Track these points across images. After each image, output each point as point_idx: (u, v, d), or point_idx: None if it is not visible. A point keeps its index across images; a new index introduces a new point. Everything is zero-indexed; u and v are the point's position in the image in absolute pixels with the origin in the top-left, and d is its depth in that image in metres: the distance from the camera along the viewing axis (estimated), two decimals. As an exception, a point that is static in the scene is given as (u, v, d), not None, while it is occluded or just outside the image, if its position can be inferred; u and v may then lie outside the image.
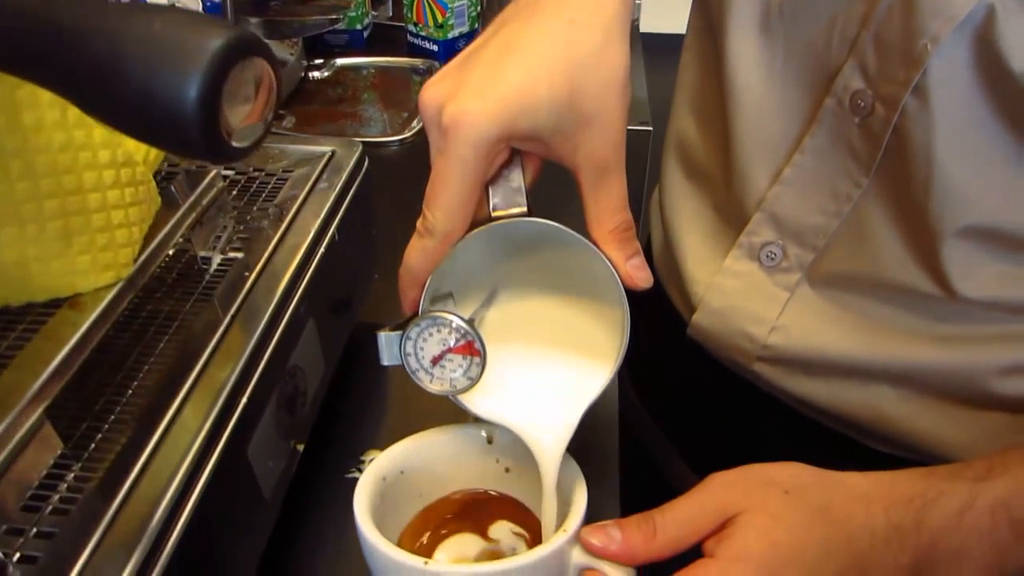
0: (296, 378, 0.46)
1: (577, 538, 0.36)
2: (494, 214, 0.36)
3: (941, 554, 0.35)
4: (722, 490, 0.36)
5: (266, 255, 0.47)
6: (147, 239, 0.41)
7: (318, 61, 1.05)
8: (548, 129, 0.34)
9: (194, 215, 0.47)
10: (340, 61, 1.06)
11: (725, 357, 0.52)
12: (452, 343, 0.35)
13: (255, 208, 0.52)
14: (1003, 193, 0.38)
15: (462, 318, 0.35)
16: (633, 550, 0.35)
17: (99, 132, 0.35)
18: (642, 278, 0.36)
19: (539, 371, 0.39)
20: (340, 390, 0.56)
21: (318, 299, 0.49)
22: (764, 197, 0.47)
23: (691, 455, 0.61)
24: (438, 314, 0.35)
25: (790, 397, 0.50)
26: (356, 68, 1.06)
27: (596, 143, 0.34)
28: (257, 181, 0.54)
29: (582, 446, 0.39)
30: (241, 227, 0.50)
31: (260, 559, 0.42)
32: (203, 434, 0.36)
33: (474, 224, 0.36)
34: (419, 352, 0.36)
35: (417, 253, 0.35)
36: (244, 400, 0.39)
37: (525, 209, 0.36)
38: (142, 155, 0.39)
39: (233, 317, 0.43)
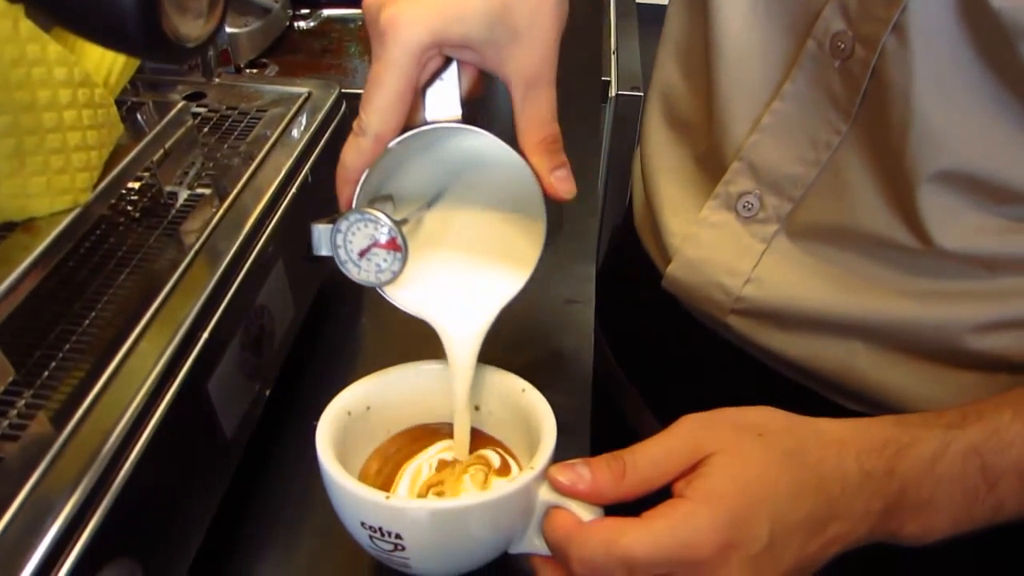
0: (263, 318, 0.45)
1: (545, 476, 0.35)
2: (428, 119, 0.37)
3: (911, 501, 0.35)
4: (694, 431, 0.35)
5: (235, 192, 0.46)
6: (108, 167, 0.40)
7: (304, 11, 1.02)
8: (480, 40, 0.35)
9: (161, 149, 0.45)
10: (326, 12, 1.04)
11: (699, 310, 0.52)
12: (379, 238, 0.36)
13: (226, 146, 0.50)
14: (980, 137, 0.38)
15: (389, 216, 0.36)
16: (601, 489, 0.34)
17: (53, 48, 0.34)
18: (565, 189, 0.37)
19: (463, 274, 0.41)
20: (311, 339, 0.55)
21: (288, 241, 0.47)
22: (742, 145, 0.46)
23: (663, 411, 0.61)
24: (367, 211, 0.36)
25: (763, 352, 0.50)
26: (343, 19, 1.04)
27: (526, 57, 0.36)
28: (230, 119, 0.53)
29: (553, 401, 0.39)
30: (211, 164, 0.48)
31: (221, 499, 0.41)
32: (160, 366, 0.35)
33: (410, 129, 0.37)
34: (348, 245, 0.37)
35: (351, 151, 0.36)
36: (205, 335, 0.38)
37: (459, 116, 0.37)
38: (102, 76, 0.38)
39: (197, 252, 0.41)
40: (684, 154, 0.53)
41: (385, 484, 0.40)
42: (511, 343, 0.43)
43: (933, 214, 0.40)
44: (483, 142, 0.37)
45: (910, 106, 0.38)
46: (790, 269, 0.46)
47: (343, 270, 0.38)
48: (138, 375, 0.35)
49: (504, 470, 0.40)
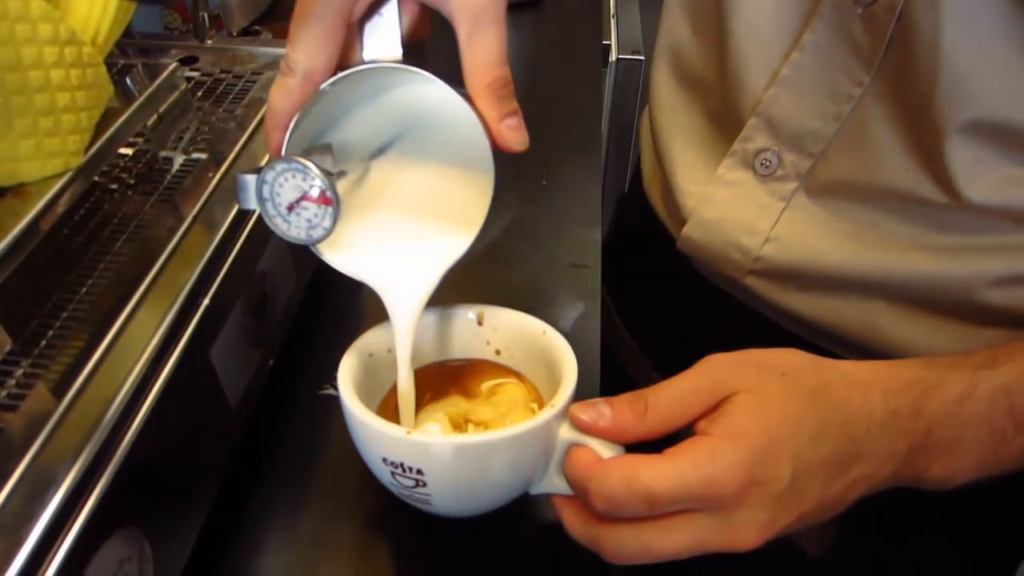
0: (264, 284, 0.44)
1: (566, 414, 0.35)
2: (366, 58, 0.34)
3: (937, 442, 0.34)
4: (717, 370, 0.34)
5: (231, 157, 0.44)
6: (99, 131, 0.38)
7: (296, -22, 1.00)
8: None
9: (155, 114, 0.44)
10: (320, -22, 1.01)
11: (716, 272, 0.50)
12: (307, 190, 0.33)
13: (221, 110, 0.49)
14: (1012, 83, 0.36)
15: (319, 166, 0.33)
16: (623, 427, 0.33)
17: (36, 4, 0.32)
18: (515, 140, 0.34)
19: (406, 233, 0.38)
20: (315, 306, 0.54)
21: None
22: (760, 100, 0.44)
23: (672, 375, 0.60)
24: (295, 159, 0.33)
25: (782, 314, 0.49)
26: (336, -14, 1.01)
27: None
28: (224, 83, 0.51)
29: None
30: (206, 128, 0.47)
31: (227, 468, 0.41)
32: (160, 333, 0.34)
33: (345, 69, 0.34)
34: (275, 198, 0.34)
35: (279, 93, 0.34)
36: (205, 303, 0.37)
37: (399, 56, 0.34)
38: (89, 35, 0.36)
39: (195, 218, 0.40)
40: (696, 112, 0.51)
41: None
42: (516, 308, 0.42)
43: (961, 167, 0.38)
44: (426, 85, 0.34)
45: (939, 52, 0.36)
46: (810, 227, 0.45)
47: (271, 225, 0.35)
48: (138, 343, 0.34)
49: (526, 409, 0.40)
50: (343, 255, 0.37)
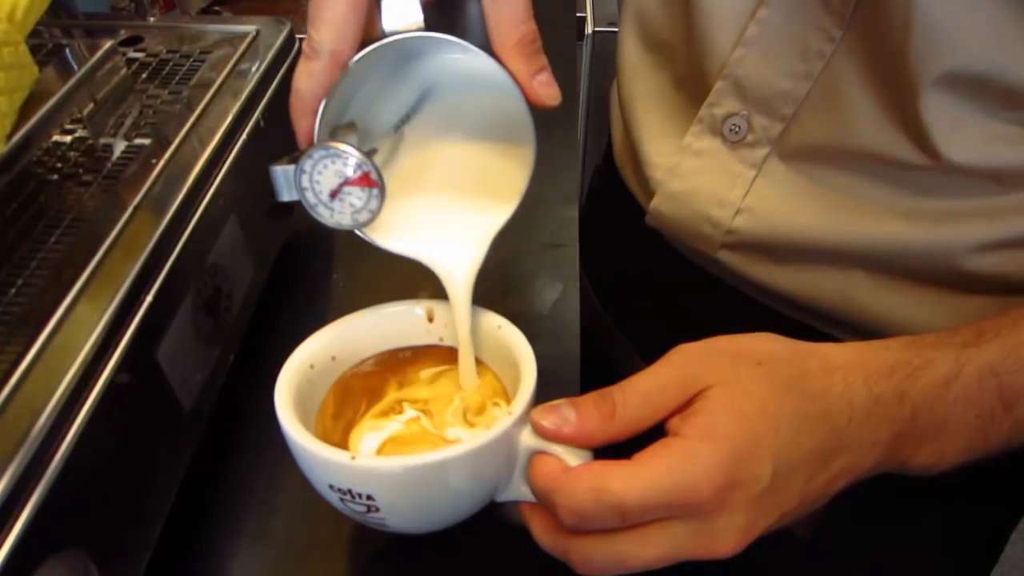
0: (217, 278, 0.41)
1: (526, 419, 0.32)
2: (387, 30, 0.33)
3: (923, 427, 0.32)
4: (687, 363, 0.32)
5: (177, 142, 0.41)
6: (25, 115, 0.35)
7: (256, -43, 0.96)
8: None
9: (89, 96, 0.41)
10: (280, -43, 0.97)
11: (687, 246, 0.48)
12: (349, 174, 0.32)
13: (167, 92, 0.45)
14: (989, 31, 0.34)
15: (357, 148, 0.32)
16: (589, 432, 0.31)
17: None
18: (549, 95, 0.33)
19: (448, 206, 0.37)
20: (278, 299, 0.51)
21: (241, 193, 0.43)
22: (726, 62, 0.42)
23: (655, 357, 0.58)
24: (331, 144, 0.32)
25: (757, 288, 0.46)
26: (298, -35, 0.97)
27: None
28: (170, 64, 0.48)
29: (541, 351, 0.36)
30: (150, 112, 0.44)
31: (184, 477, 0.38)
32: (97, 332, 0.31)
33: (368, 44, 0.33)
34: (316, 186, 0.33)
35: (305, 77, 0.32)
36: (148, 299, 0.34)
37: (421, 23, 0.33)
38: (5, 11, 0.33)
39: (136, 208, 0.37)
40: (663, 78, 0.49)
41: (345, 424, 0.36)
42: (492, 292, 0.39)
43: (938, 124, 0.36)
44: (453, 50, 0.33)
45: (911, 1, 0.34)
46: (784, 196, 0.43)
47: (314, 215, 0.34)
48: (73, 345, 0.31)
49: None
50: (388, 235, 0.36)
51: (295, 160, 0.33)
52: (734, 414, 0.30)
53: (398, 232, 0.36)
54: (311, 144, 0.33)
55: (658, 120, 0.48)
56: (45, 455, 0.28)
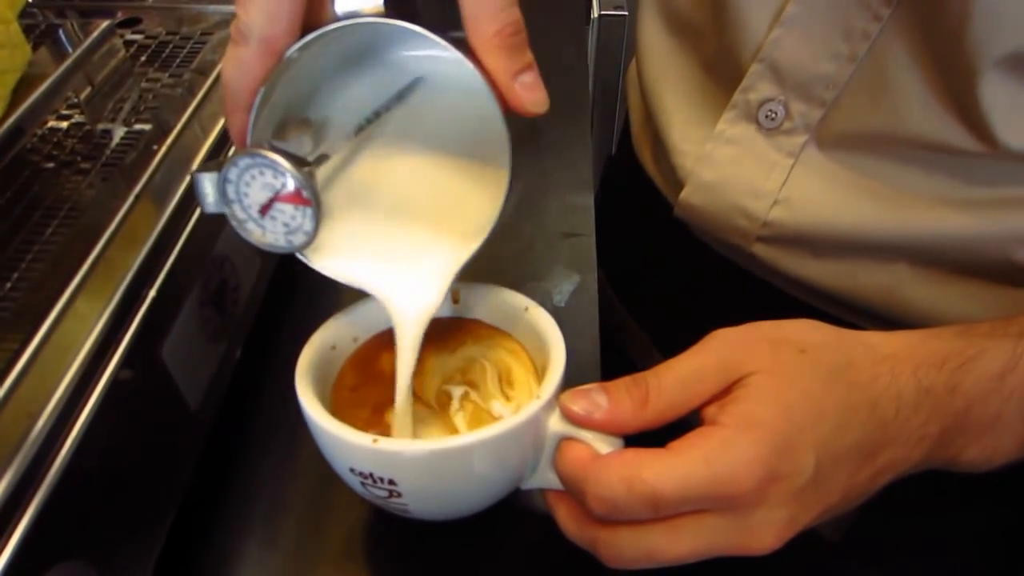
0: (224, 270, 0.39)
1: (555, 403, 0.31)
2: (339, 12, 0.28)
3: (974, 422, 0.31)
4: (726, 348, 0.30)
5: (179, 126, 0.39)
6: (18, 99, 0.33)
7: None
8: None
9: (87, 80, 0.39)
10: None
11: (719, 240, 0.46)
12: (279, 189, 0.28)
13: (167, 75, 0.43)
14: None
15: (290, 158, 0.28)
16: (621, 418, 0.29)
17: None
18: (533, 100, 0.28)
19: (406, 231, 0.33)
20: (286, 291, 0.49)
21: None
22: (762, 44, 0.40)
23: (671, 349, 0.56)
24: (259, 152, 0.28)
25: (792, 282, 0.45)
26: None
27: None
28: (170, 46, 0.46)
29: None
30: (150, 96, 0.42)
31: (191, 480, 0.36)
32: (98, 330, 0.30)
33: (314, 30, 0.28)
34: (243, 199, 0.29)
35: (232, 65, 0.28)
36: (152, 293, 0.33)
37: (379, 7, 0.28)
38: (-4, -15, 0.31)
39: (138, 197, 0.35)
40: (690, 62, 0.47)
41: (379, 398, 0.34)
42: (508, 282, 0.37)
43: (997, 108, 0.34)
44: (416, 43, 0.29)
45: None
46: (823, 186, 0.40)
47: (241, 232, 0.30)
48: (73, 342, 0.29)
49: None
50: (333, 259, 0.32)
51: (220, 166, 0.29)
52: (776, 403, 0.28)
53: (344, 256, 0.32)
54: (244, 144, 0.29)
55: (686, 106, 0.46)
56: (44, 460, 0.26)
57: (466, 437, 0.29)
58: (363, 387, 0.35)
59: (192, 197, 0.36)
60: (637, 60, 0.53)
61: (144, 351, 0.32)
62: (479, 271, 0.37)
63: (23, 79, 0.34)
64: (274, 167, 0.28)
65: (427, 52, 0.30)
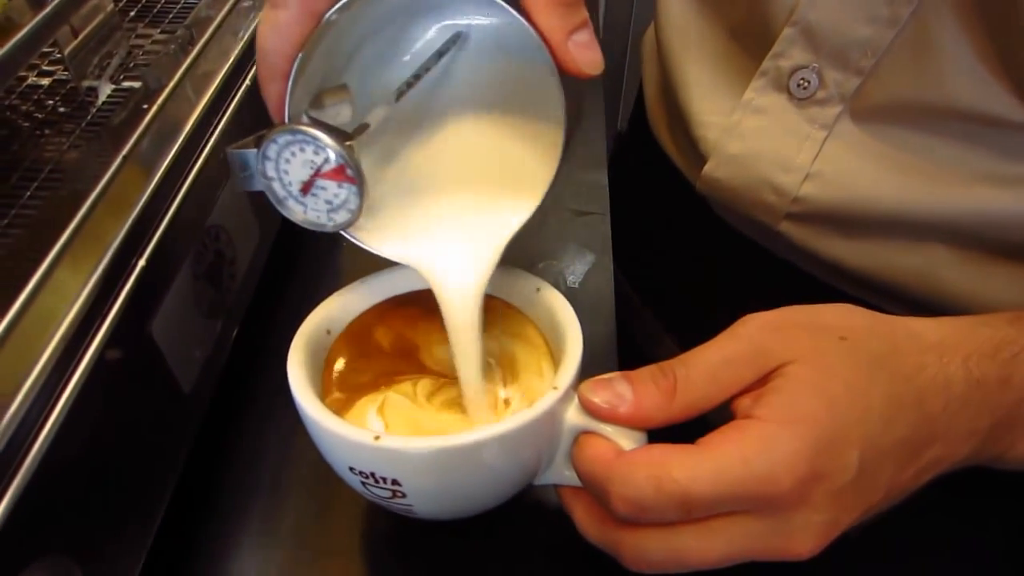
0: (219, 241, 0.36)
1: (572, 395, 0.28)
2: None
3: None
4: (761, 335, 0.28)
5: (172, 85, 0.36)
6: (-7, 48, 0.30)
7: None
8: None
9: (72, 32, 0.35)
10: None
11: (743, 217, 0.43)
12: (321, 165, 0.27)
13: (159, 31, 0.40)
14: None
15: (331, 133, 0.26)
16: (647, 412, 0.27)
17: None
18: (588, 60, 0.27)
19: (454, 201, 0.31)
20: (285, 266, 0.46)
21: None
22: (795, 6, 0.37)
23: (689, 339, 0.53)
24: (300, 128, 0.26)
25: (819, 264, 0.42)
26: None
27: None
28: (162, 0, 0.42)
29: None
30: (139, 52, 0.38)
31: (183, 467, 0.33)
32: (81, 302, 0.27)
33: None
34: (283, 176, 0.27)
35: (270, 33, 0.27)
36: (141, 263, 0.30)
37: None
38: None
39: (125, 158, 0.32)
40: (715, 28, 0.44)
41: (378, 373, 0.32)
42: (520, 262, 0.34)
43: None
44: (460, 3, 0.28)
45: None
46: (858, 161, 0.38)
47: (281, 211, 0.28)
48: (53, 316, 0.26)
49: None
50: (378, 236, 0.30)
51: (258, 142, 0.27)
52: (818, 395, 0.26)
53: (389, 231, 0.30)
54: (282, 116, 0.28)
55: (710, 75, 0.43)
56: (21, 446, 0.24)
57: (476, 433, 0.26)
58: (359, 360, 0.32)
59: (186, 157, 0.34)
60: (656, 28, 0.50)
61: (131, 327, 0.29)
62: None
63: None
64: (315, 143, 0.26)
65: (471, 12, 0.28)
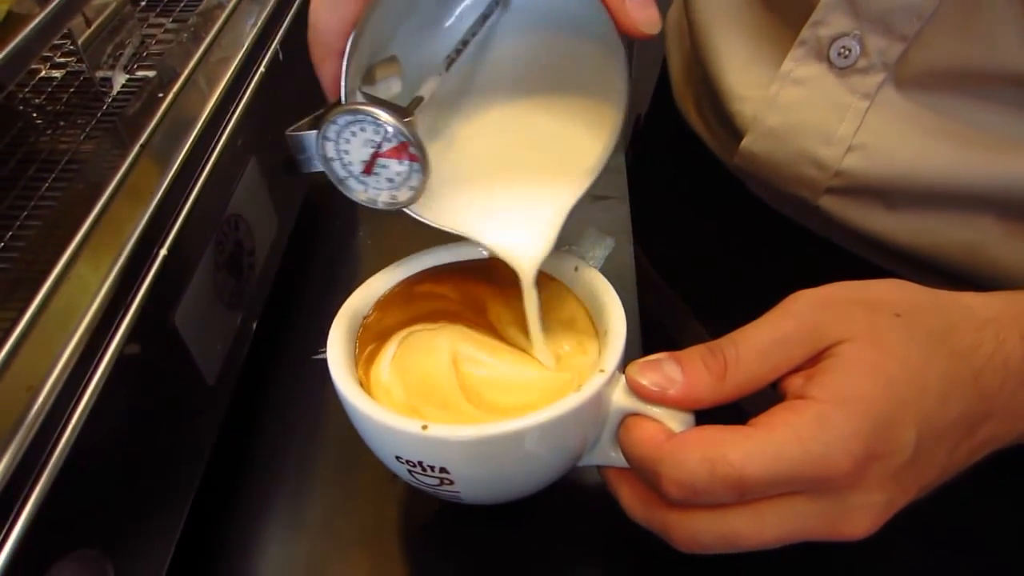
0: (239, 231, 0.35)
1: (618, 378, 0.28)
2: None
3: None
4: (812, 313, 0.27)
5: (186, 74, 0.36)
6: (6, 38, 0.29)
7: None
8: None
9: (85, 22, 0.35)
10: None
11: (781, 193, 0.42)
12: (382, 145, 0.26)
13: (171, 20, 0.40)
14: None
15: (393, 111, 0.26)
16: (698, 393, 0.26)
17: None
18: (645, 19, 0.26)
19: (510, 174, 0.31)
20: (301, 259, 0.46)
21: (261, 133, 0.38)
22: None
23: (718, 321, 0.52)
24: (360, 108, 0.26)
25: (862, 241, 0.41)
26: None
27: None
28: (173, -11, 0.42)
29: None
30: (152, 41, 0.38)
31: (211, 453, 0.33)
32: (103, 294, 0.26)
33: None
34: (343, 156, 0.27)
35: (325, 9, 0.26)
36: (163, 252, 0.29)
37: None
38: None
39: (143, 147, 0.32)
40: None
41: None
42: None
43: None
44: None
45: None
46: (902, 131, 0.37)
47: (343, 191, 0.28)
48: (75, 309, 0.26)
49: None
50: (441, 209, 0.30)
51: (318, 123, 0.27)
52: (874, 374, 0.25)
53: (447, 206, 0.30)
54: (338, 94, 0.27)
55: (746, 47, 0.42)
56: (47, 440, 0.23)
57: (523, 420, 0.26)
58: (390, 311, 0.32)
59: (203, 146, 0.33)
60: (687, 3, 0.49)
61: (155, 318, 0.28)
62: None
63: (9, 19, 0.30)
64: (376, 122, 0.26)
65: None
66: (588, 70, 0.29)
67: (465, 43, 0.29)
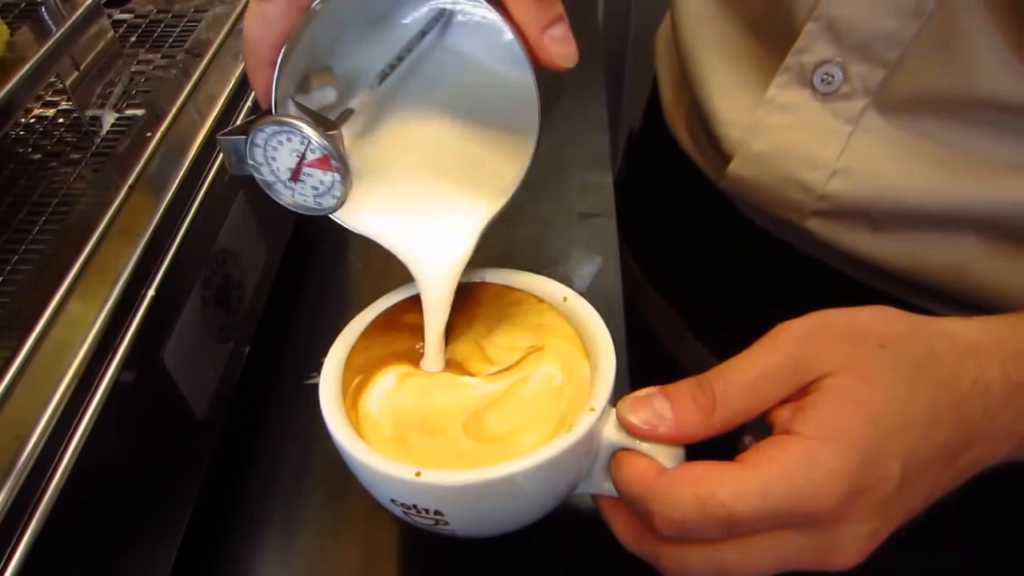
0: (227, 265, 0.36)
1: (609, 413, 0.28)
2: None
3: None
4: (798, 346, 0.27)
5: (174, 111, 0.37)
6: (-3, 84, 0.30)
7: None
8: None
9: (73, 64, 0.36)
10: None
11: (769, 215, 0.43)
12: (306, 155, 0.28)
13: (159, 56, 0.40)
14: None
15: (316, 125, 0.27)
16: (687, 430, 0.27)
17: None
18: (563, 53, 0.27)
19: (433, 188, 0.32)
20: (292, 285, 0.47)
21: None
22: (817, 1, 0.37)
23: (711, 336, 0.53)
24: (286, 120, 0.27)
25: (849, 261, 0.42)
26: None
27: None
28: (162, 24, 0.43)
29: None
30: (142, 79, 0.39)
31: (199, 493, 0.34)
32: (95, 332, 0.27)
33: None
34: (271, 163, 0.28)
35: (256, 22, 0.27)
36: (151, 293, 0.30)
37: None
38: (-34, -42, 0.28)
39: (132, 187, 0.33)
40: (736, 23, 0.43)
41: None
42: (525, 267, 0.35)
43: None
44: None
45: None
46: (886, 154, 0.37)
47: (270, 194, 0.29)
48: (68, 347, 0.27)
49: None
50: (361, 216, 0.31)
51: (247, 129, 0.28)
52: (860, 408, 0.26)
53: (369, 215, 0.31)
54: (269, 103, 0.29)
55: (732, 72, 0.43)
56: (41, 476, 0.24)
57: (515, 464, 0.27)
58: (377, 341, 0.33)
59: (191, 183, 0.34)
60: (673, 23, 0.49)
61: (144, 355, 0.29)
62: (495, 254, 0.35)
63: (1, 62, 0.31)
64: (300, 134, 0.27)
65: (452, 5, 0.28)
66: (508, 99, 0.29)
67: (400, 59, 0.30)
